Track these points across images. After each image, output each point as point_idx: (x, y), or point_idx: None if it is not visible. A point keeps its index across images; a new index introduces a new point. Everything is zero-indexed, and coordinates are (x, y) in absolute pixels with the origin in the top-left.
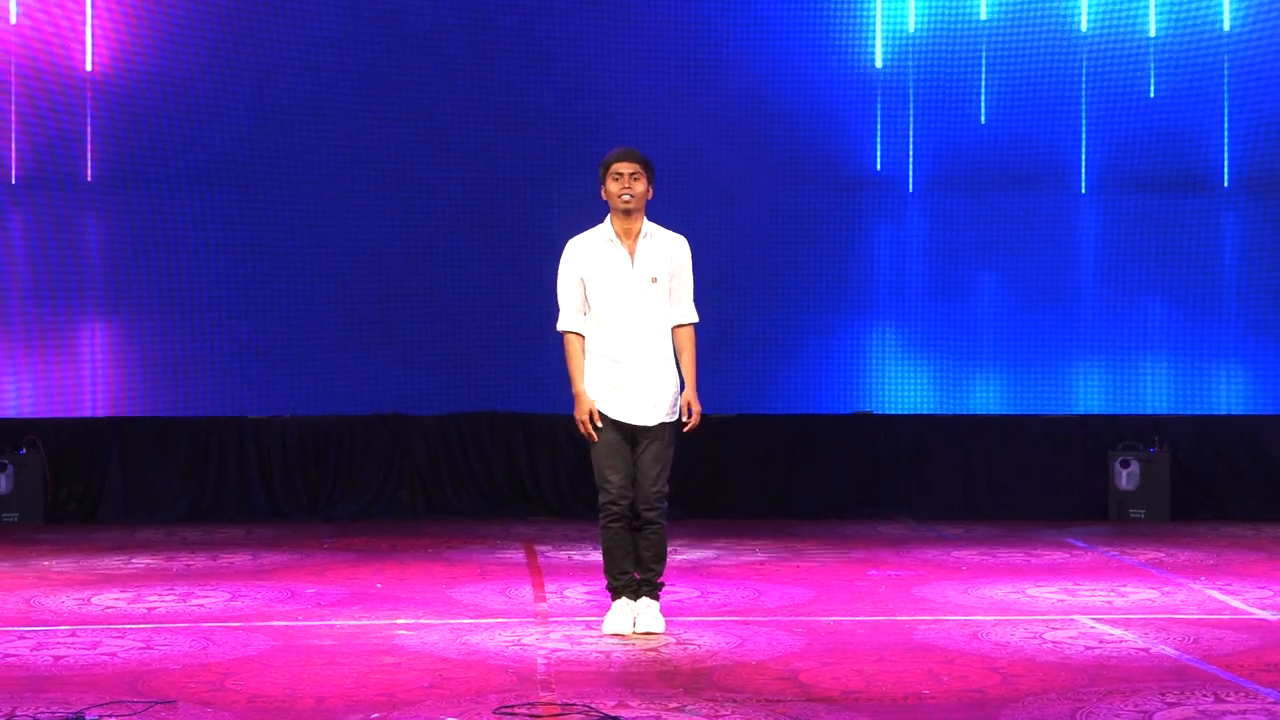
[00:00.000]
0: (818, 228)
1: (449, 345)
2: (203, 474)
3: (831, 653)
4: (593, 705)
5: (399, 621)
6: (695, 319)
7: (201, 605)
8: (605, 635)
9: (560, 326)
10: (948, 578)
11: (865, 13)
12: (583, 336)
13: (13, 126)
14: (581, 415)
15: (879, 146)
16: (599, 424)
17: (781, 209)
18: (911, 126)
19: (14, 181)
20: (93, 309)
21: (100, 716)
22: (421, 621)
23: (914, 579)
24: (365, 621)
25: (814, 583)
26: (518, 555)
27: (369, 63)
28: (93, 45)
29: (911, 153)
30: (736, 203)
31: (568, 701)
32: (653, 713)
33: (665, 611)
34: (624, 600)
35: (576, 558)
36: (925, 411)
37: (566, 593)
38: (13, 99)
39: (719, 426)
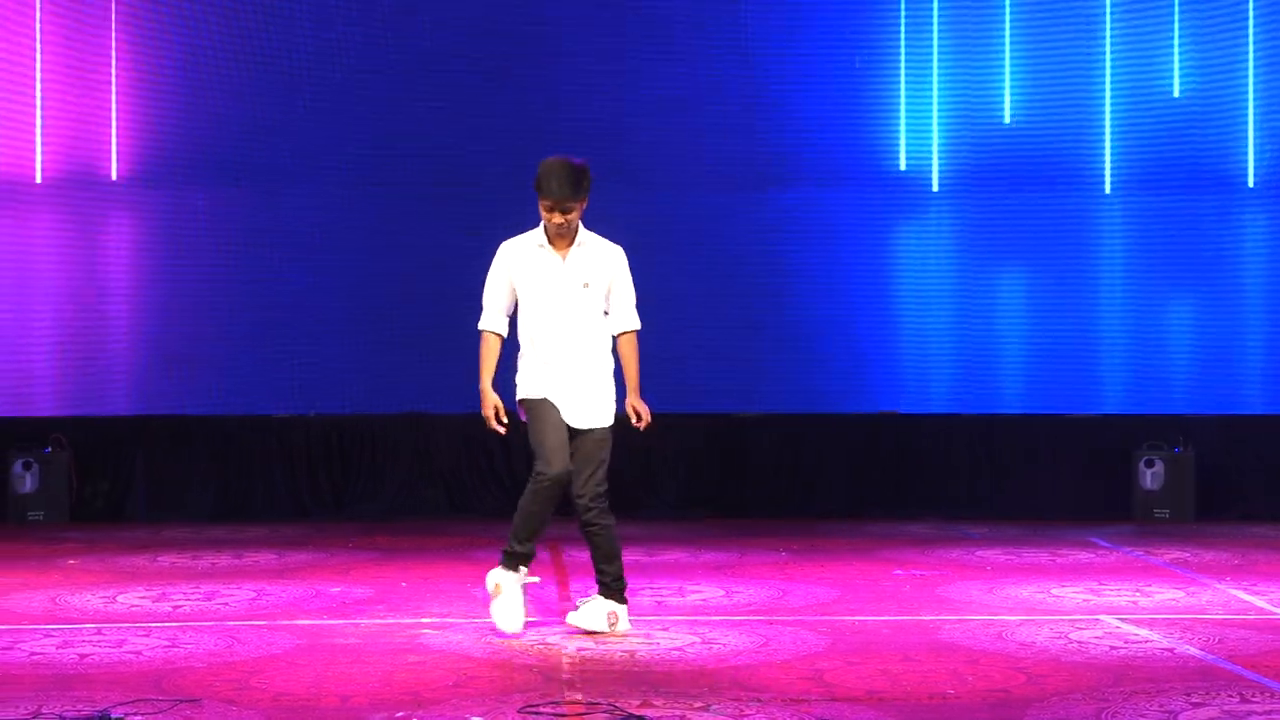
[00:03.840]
0: (842, 226)
1: (473, 344)
2: (228, 473)
3: (856, 652)
4: (617, 705)
5: (424, 620)
6: (637, 326)
7: (226, 604)
8: (505, 634)
9: (480, 325)
10: (972, 577)
11: (889, 10)
12: (500, 337)
13: (40, 124)
14: (486, 412)
15: (903, 145)
16: (504, 419)
17: (807, 206)
18: (935, 125)
19: (40, 180)
20: (118, 307)
21: (126, 715)
22: (446, 620)
23: (939, 579)
24: (390, 620)
25: (838, 582)
26: (542, 554)
27: (398, 58)
28: (117, 50)
29: (936, 151)
30: (759, 200)
31: (592, 700)
32: (677, 712)
33: (689, 610)
34: (513, 591)
35: None
36: (950, 411)
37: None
38: (39, 97)
39: (744, 426)
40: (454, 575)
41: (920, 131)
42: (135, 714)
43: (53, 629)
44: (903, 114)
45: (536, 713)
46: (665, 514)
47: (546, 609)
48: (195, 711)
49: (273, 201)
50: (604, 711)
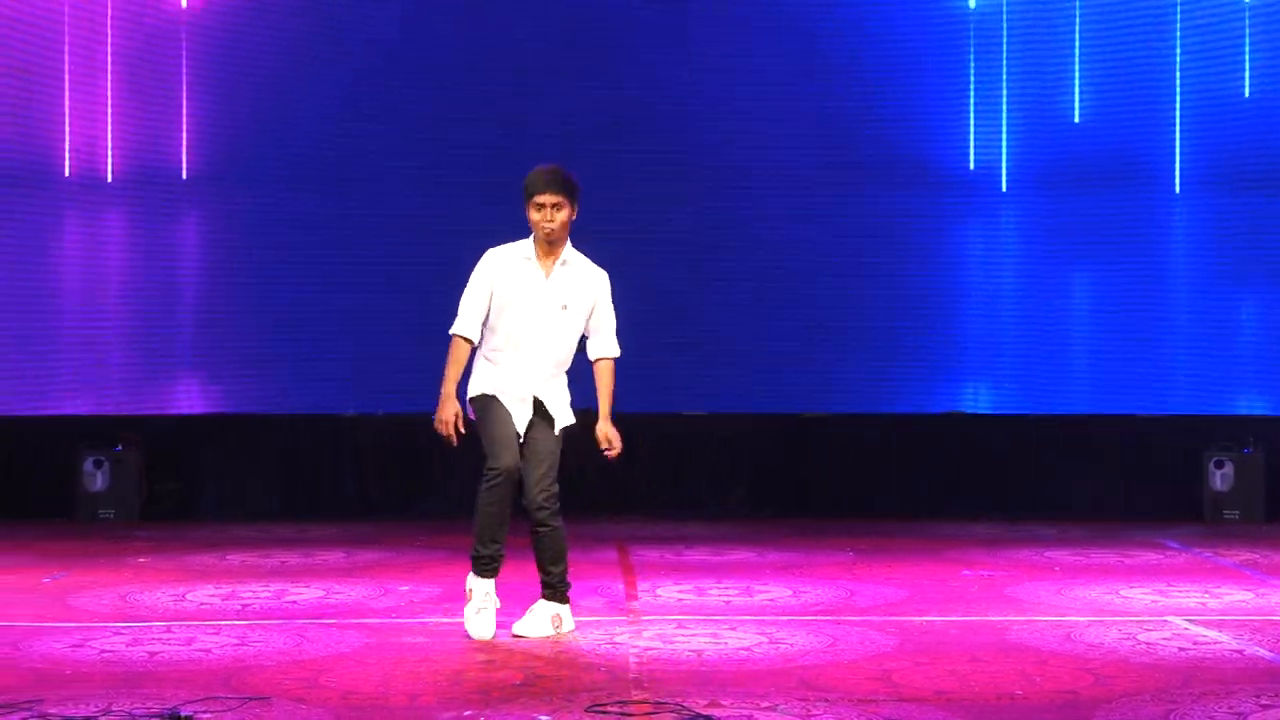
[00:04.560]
0: (908, 226)
1: None
2: (296, 471)
3: (924, 653)
4: (684, 704)
5: (495, 618)
6: (617, 353)
7: (295, 602)
8: (475, 639)
9: (453, 330)
10: (1041, 578)
11: (958, 11)
12: (472, 344)
13: (110, 124)
14: (444, 417)
15: (972, 146)
16: (462, 429)
17: (875, 208)
18: (1004, 125)
19: (110, 180)
20: (187, 307)
21: (195, 713)
22: (515, 618)
23: (1007, 579)
24: (458, 619)
25: (906, 583)
26: (610, 554)
27: (459, 58)
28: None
29: (1005, 152)
30: (825, 202)
31: (659, 700)
32: (745, 712)
33: (756, 610)
34: (484, 597)
35: (669, 556)
36: (1017, 411)
37: (659, 591)
38: (109, 97)
39: (809, 426)
40: (522, 575)
41: (990, 132)
42: (205, 712)
43: (123, 627)
44: (972, 115)
45: (603, 712)
46: (732, 514)
47: (615, 608)
48: (264, 709)
49: (341, 201)
50: (671, 711)
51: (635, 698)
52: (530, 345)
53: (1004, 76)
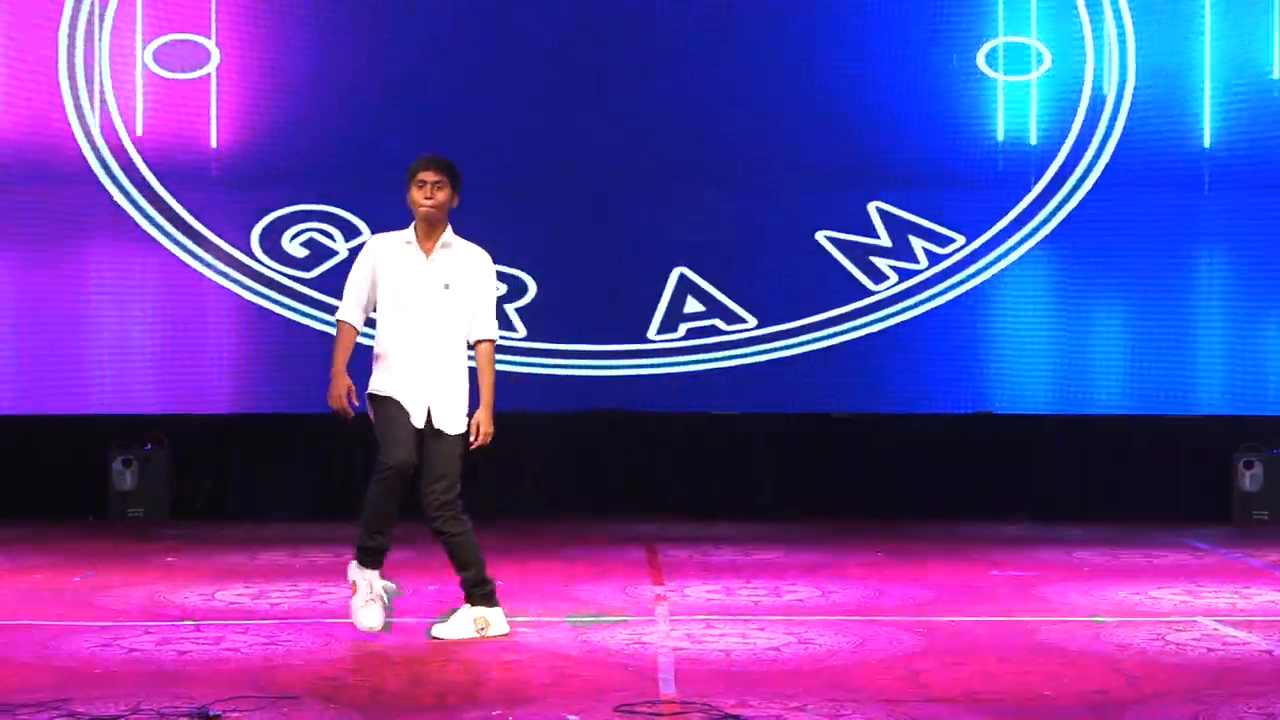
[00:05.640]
0: (938, 224)
1: (572, 344)
2: (327, 471)
3: (952, 653)
4: (713, 704)
5: (519, 619)
6: (495, 335)
7: (324, 601)
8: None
9: (337, 315)
10: (1069, 578)
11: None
12: (355, 330)
13: (141, 122)
14: (336, 392)
15: (1000, 145)
16: (355, 401)
17: (905, 206)
18: (1033, 123)
19: (137, 179)
20: (217, 305)
21: (224, 711)
22: (542, 619)
23: (1035, 579)
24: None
25: (934, 582)
26: (637, 553)
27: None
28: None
29: (1033, 150)
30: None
31: (687, 700)
32: (773, 712)
33: (784, 610)
34: (371, 587)
35: (697, 557)
36: (1046, 411)
37: (686, 591)
38: (140, 100)
39: (839, 426)
40: (549, 574)
41: (1018, 130)
42: (233, 711)
43: (152, 625)
44: (1000, 112)
45: (632, 712)
46: (760, 514)
47: (642, 607)
48: (293, 708)
49: (382, 201)
50: (699, 711)
51: (664, 697)
52: (417, 330)
53: (1032, 70)
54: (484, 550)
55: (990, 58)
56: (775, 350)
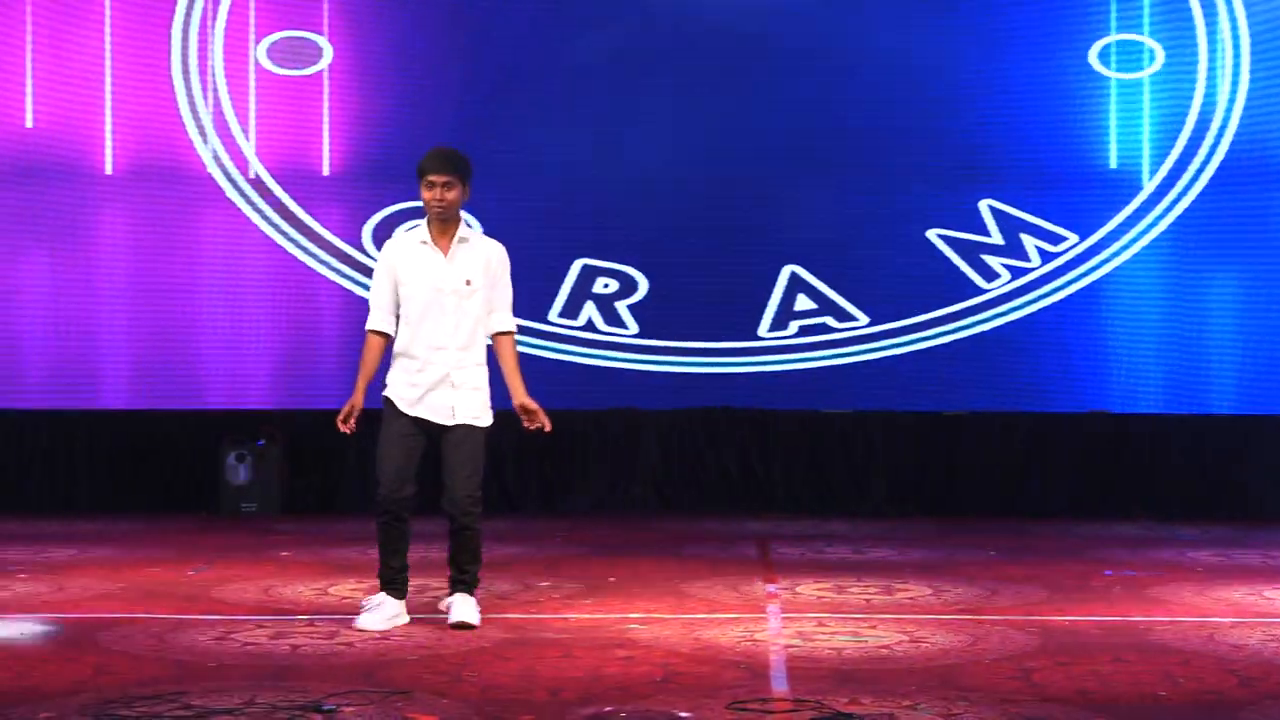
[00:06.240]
0: (1052, 224)
1: (686, 341)
2: (438, 466)
3: (1066, 653)
4: (824, 702)
5: (632, 616)
6: (513, 327)
7: (437, 596)
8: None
9: (367, 325)
10: (1183, 579)
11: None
12: (386, 338)
13: (254, 119)
14: (341, 415)
15: (1114, 143)
16: (354, 426)
17: (1019, 205)
18: (1146, 121)
19: (250, 176)
20: (329, 300)
21: (338, 706)
22: (654, 616)
23: (1149, 580)
24: (598, 615)
25: (1048, 582)
26: (750, 551)
27: (620, 57)
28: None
29: (1146, 148)
30: (959, 199)
31: (800, 698)
32: (885, 710)
33: (897, 609)
34: (383, 596)
35: (809, 555)
36: (1161, 411)
37: (799, 589)
38: (252, 96)
39: (952, 424)
40: (662, 571)
41: (1131, 127)
42: (347, 705)
43: (265, 619)
44: (1113, 111)
45: (744, 709)
46: (873, 512)
47: (755, 605)
48: (406, 704)
49: (497, 196)
50: (811, 709)
51: (776, 695)
52: (441, 328)
53: (1145, 70)
54: (598, 547)
55: (1103, 55)
56: (887, 348)
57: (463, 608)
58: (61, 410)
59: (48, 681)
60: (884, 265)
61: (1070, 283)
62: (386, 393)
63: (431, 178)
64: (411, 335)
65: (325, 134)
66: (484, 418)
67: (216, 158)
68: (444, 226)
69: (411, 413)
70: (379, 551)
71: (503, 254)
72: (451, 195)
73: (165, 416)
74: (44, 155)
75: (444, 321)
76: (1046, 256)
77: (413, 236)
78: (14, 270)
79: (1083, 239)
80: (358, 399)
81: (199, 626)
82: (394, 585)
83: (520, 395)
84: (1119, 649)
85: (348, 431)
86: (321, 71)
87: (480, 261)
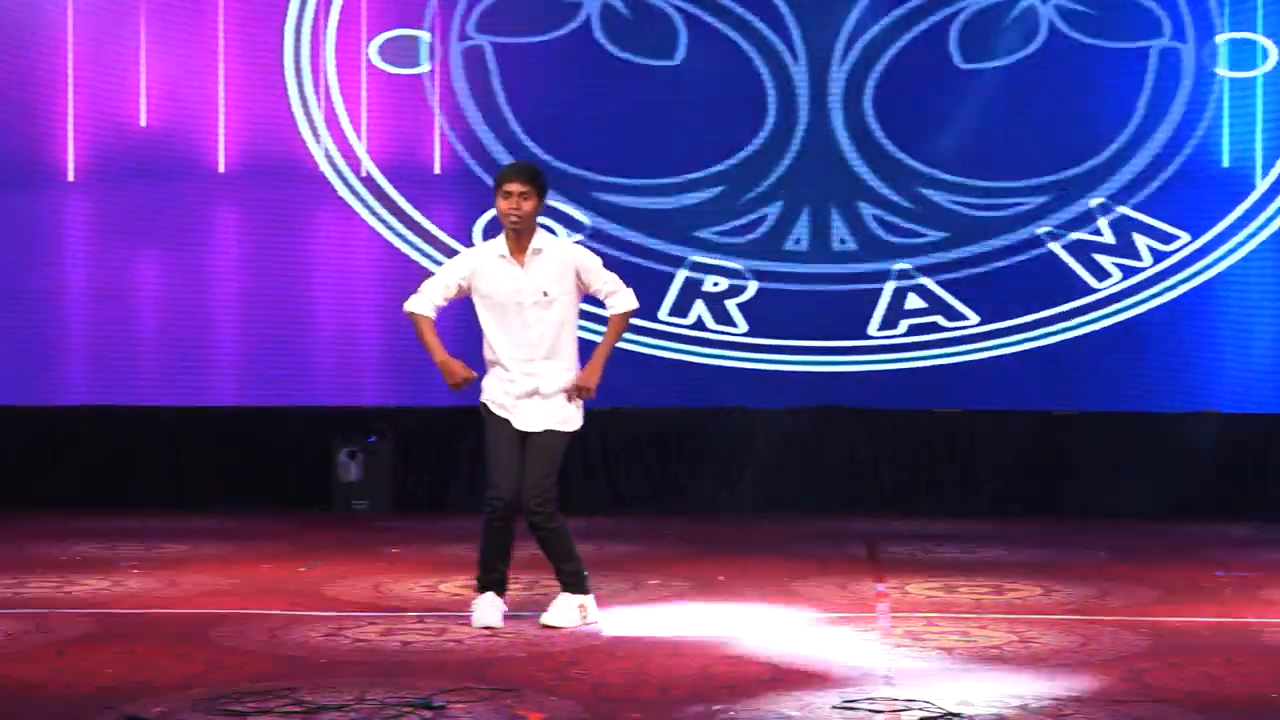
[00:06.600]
0: (1165, 223)
1: (795, 340)
2: None
3: (1177, 654)
4: (933, 702)
5: (744, 614)
6: (625, 307)
7: (547, 594)
8: (476, 629)
9: (408, 306)
10: None
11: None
12: (428, 319)
13: (366, 122)
14: (454, 381)
15: (1226, 142)
16: (469, 374)
17: (1128, 202)
18: (1259, 119)
19: (362, 175)
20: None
21: (447, 702)
22: (763, 615)
23: (1262, 581)
24: (708, 614)
25: (1159, 583)
26: (858, 550)
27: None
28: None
29: (1259, 147)
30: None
31: (909, 698)
32: (994, 711)
33: (1006, 609)
34: (491, 595)
35: (919, 554)
36: (1273, 410)
37: (908, 588)
38: (364, 97)
39: (1061, 424)
40: (771, 570)
41: (1243, 126)
42: (457, 702)
43: (376, 616)
44: (1226, 109)
45: (852, 709)
46: (983, 511)
47: (863, 604)
48: (516, 701)
49: (608, 197)
50: (919, 709)
51: (884, 695)
52: (523, 339)
53: (1260, 68)
54: (707, 545)
55: (1216, 54)
56: (997, 347)
57: (554, 608)
58: (175, 407)
59: (159, 676)
60: (995, 264)
61: (1182, 282)
62: (484, 398)
63: (508, 187)
64: (498, 347)
65: (436, 132)
66: (571, 422)
67: (328, 156)
68: (519, 239)
69: (508, 416)
70: (482, 554)
71: (580, 253)
72: (528, 206)
73: (277, 414)
74: (158, 154)
75: (527, 334)
76: (1158, 256)
77: (490, 249)
78: (129, 268)
79: (1195, 238)
80: (454, 365)
81: (310, 623)
82: (499, 588)
83: (587, 372)
84: (1231, 650)
85: (469, 382)
86: (433, 70)
87: (555, 270)
